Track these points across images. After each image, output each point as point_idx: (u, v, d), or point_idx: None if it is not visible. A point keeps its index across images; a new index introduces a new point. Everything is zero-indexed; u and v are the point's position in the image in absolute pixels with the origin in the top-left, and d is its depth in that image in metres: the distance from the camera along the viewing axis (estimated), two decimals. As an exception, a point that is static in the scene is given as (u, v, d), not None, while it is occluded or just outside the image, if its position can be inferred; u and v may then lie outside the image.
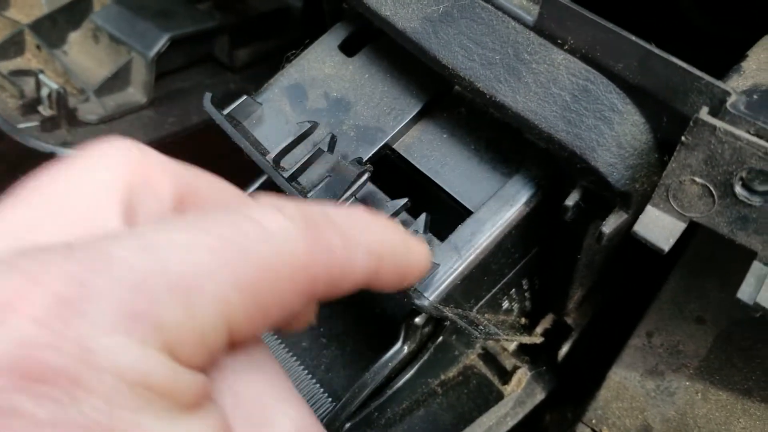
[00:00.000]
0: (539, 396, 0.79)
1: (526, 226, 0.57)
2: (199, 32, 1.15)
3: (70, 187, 0.32)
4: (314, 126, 0.62)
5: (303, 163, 0.58)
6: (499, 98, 0.53)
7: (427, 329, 0.65)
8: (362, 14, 0.62)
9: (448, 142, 0.61)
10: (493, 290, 0.64)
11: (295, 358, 0.70)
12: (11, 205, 0.32)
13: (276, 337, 0.71)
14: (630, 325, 0.71)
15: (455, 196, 0.59)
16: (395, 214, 0.56)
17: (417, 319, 0.62)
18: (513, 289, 0.68)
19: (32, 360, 0.24)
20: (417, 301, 0.52)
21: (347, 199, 0.56)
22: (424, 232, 0.55)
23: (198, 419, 0.29)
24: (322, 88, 0.66)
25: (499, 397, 0.77)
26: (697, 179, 0.45)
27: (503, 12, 0.55)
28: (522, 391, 0.78)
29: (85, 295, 0.26)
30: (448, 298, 0.55)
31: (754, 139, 0.42)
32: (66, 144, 1.04)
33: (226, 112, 0.63)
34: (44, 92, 1.06)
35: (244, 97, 0.65)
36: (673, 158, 0.46)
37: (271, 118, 0.65)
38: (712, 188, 0.45)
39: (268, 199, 0.34)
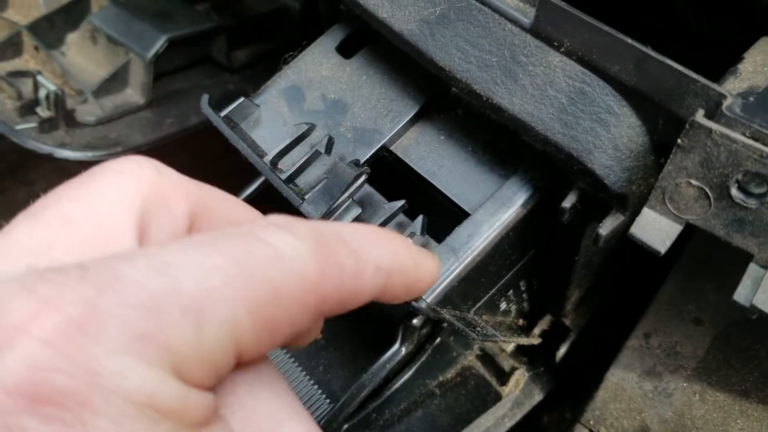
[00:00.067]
0: (537, 397, 0.79)
1: (523, 228, 0.58)
2: (197, 33, 1.15)
3: (86, 205, 0.33)
4: (311, 128, 0.62)
5: (300, 165, 0.58)
6: (495, 100, 0.53)
7: (424, 331, 0.65)
8: (359, 16, 0.63)
9: (446, 144, 0.61)
10: (491, 292, 0.64)
11: (293, 359, 0.70)
12: (28, 223, 0.32)
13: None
14: (627, 326, 0.71)
15: (452, 198, 0.59)
16: (392, 216, 0.56)
17: (415, 321, 0.62)
18: (510, 291, 0.68)
19: (41, 382, 0.25)
20: (414, 303, 0.52)
21: (344, 201, 0.56)
22: (422, 234, 0.55)
23: None
24: (319, 90, 0.66)
25: (497, 398, 0.77)
26: (693, 182, 0.45)
27: (500, 14, 0.55)
28: (520, 392, 0.78)
29: (95, 318, 0.26)
30: (445, 299, 0.55)
31: (750, 141, 0.42)
32: (64, 145, 1.04)
33: (223, 113, 0.63)
34: (42, 93, 1.06)
35: (242, 98, 0.65)
36: (669, 161, 0.46)
37: (268, 120, 0.65)
38: (708, 191, 0.45)
39: (279, 219, 0.34)
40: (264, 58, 1.24)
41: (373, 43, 0.66)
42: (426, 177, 0.60)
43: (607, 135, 0.50)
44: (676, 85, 0.47)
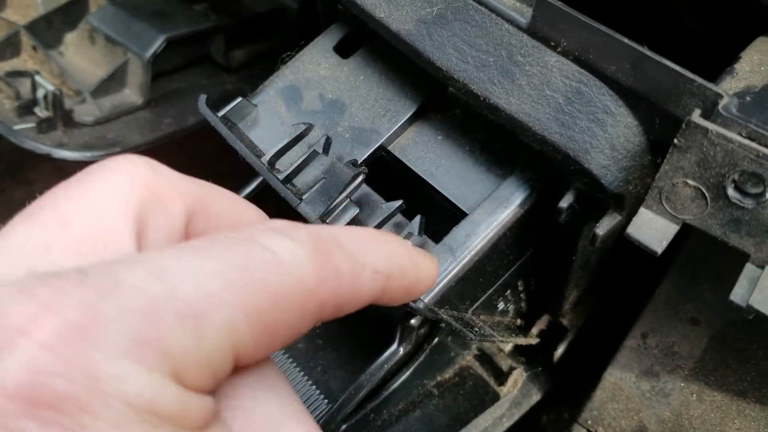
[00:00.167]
0: (535, 397, 0.79)
1: (520, 227, 0.58)
2: (195, 33, 1.14)
3: (83, 205, 0.33)
4: (309, 128, 0.62)
5: (298, 165, 0.58)
6: (492, 100, 0.53)
7: (422, 331, 0.65)
8: (357, 16, 0.63)
9: (443, 144, 0.61)
10: (489, 292, 0.64)
11: (291, 359, 0.70)
12: (25, 224, 0.32)
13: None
14: (625, 326, 0.71)
15: (450, 198, 0.59)
16: (390, 216, 0.56)
17: (412, 321, 0.62)
18: (508, 291, 0.68)
19: (40, 386, 0.25)
20: (412, 304, 0.52)
21: (342, 201, 0.56)
22: (419, 234, 0.55)
23: None
24: (317, 90, 0.66)
25: (495, 398, 0.77)
26: (690, 182, 0.45)
27: (496, 14, 0.55)
28: (518, 392, 0.78)
29: (94, 322, 0.26)
30: (443, 300, 0.55)
31: (746, 141, 0.42)
32: (62, 145, 1.04)
33: (221, 113, 0.63)
34: (40, 93, 1.06)
35: (239, 98, 0.65)
36: (665, 160, 0.46)
37: (266, 120, 0.65)
38: (704, 190, 0.45)
39: (278, 224, 0.34)
40: (262, 58, 1.24)
41: (370, 43, 0.66)
42: (423, 177, 0.60)
43: (603, 135, 0.50)
44: (673, 84, 0.47)
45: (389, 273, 0.37)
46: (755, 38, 0.55)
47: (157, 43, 1.07)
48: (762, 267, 0.45)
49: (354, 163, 0.59)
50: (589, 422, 0.70)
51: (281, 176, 0.58)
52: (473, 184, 0.59)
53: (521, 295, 0.71)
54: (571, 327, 0.78)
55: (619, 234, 0.51)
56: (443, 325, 0.65)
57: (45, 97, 1.05)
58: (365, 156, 0.61)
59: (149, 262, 0.29)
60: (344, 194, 0.56)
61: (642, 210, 0.48)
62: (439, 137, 0.62)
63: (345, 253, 0.34)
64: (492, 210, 0.56)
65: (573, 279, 0.66)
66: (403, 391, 0.69)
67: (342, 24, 0.69)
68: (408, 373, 0.69)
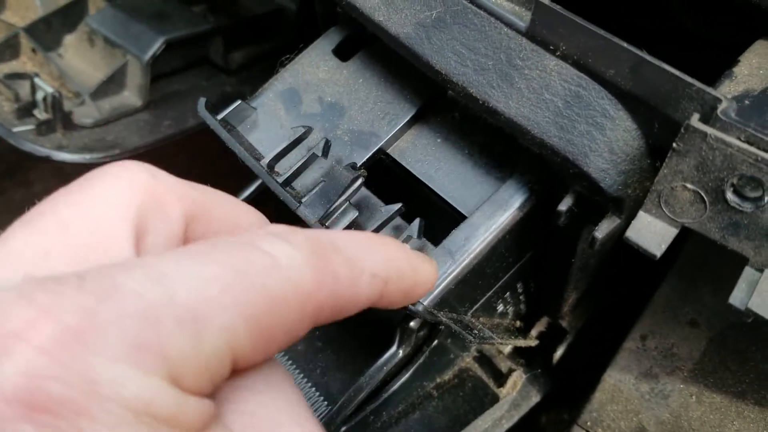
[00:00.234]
0: (534, 398, 0.79)
1: (519, 230, 0.58)
2: (194, 35, 1.14)
3: (82, 211, 0.33)
4: (308, 131, 0.62)
5: (297, 168, 0.59)
6: (491, 104, 0.53)
7: (422, 333, 0.65)
8: (356, 19, 0.63)
9: (442, 147, 0.61)
10: (488, 294, 0.64)
11: (290, 361, 0.70)
12: (24, 230, 0.32)
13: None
14: (624, 328, 0.72)
15: (449, 201, 0.59)
16: (389, 219, 0.56)
17: (412, 323, 0.62)
18: (508, 293, 0.68)
19: (38, 390, 0.25)
20: (411, 306, 0.52)
21: (341, 204, 0.56)
22: (418, 237, 0.55)
23: None
24: (316, 93, 0.66)
25: (495, 399, 0.77)
26: (689, 185, 0.45)
27: (496, 18, 0.55)
28: (517, 394, 0.78)
29: (92, 326, 0.26)
30: (442, 302, 0.55)
31: (745, 145, 0.42)
32: (61, 147, 1.04)
33: (220, 116, 0.63)
34: (39, 96, 1.06)
35: (239, 101, 0.65)
36: (664, 164, 0.46)
37: (265, 123, 0.65)
38: (703, 194, 0.45)
39: (277, 229, 0.34)
40: (261, 60, 1.24)
41: (369, 46, 0.66)
42: (423, 180, 0.60)
43: (602, 138, 0.50)
44: (672, 89, 0.47)
45: (387, 277, 0.37)
46: (754, 41, 0.55)
47: (156, 45, 1.08)
48: (761, 270, 0.45)
49: (353, 166, 0.59)
50: (589, 424, 0.70)
51: (280, 179, 0.58)
52: (472, 187, 0.59)
53: (520, 297, 0.71)
54: (571, 329, 0.78)
55: (618, 237, 0.51)
56: (442, 327, 0.65)
57: (44, 99, 1.05)
58: (364, 159, 0.61)
59: (148, 267, 0.29)
60: (343, 197, 0.56)
61: (641, 213, 0.49)
62: (438, 140, 0.62)
63: (343, 257, 0.35)
64: (491, 213, 0.56)
65: (572, 281, 0.66)
66: (403, 392, 0.69)
67: (341, 27, 0.69)
68: (407, 375, 0.69)
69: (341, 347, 0.71)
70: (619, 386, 0.69)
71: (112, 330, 0.26)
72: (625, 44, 0.49)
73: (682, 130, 0.44)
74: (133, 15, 1.11)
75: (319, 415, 0.66)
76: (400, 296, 0.39)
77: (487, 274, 0.60)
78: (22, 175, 1.48)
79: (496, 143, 0.59)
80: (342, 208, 0.56)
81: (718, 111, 0.44)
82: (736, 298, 0.45)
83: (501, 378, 0.77)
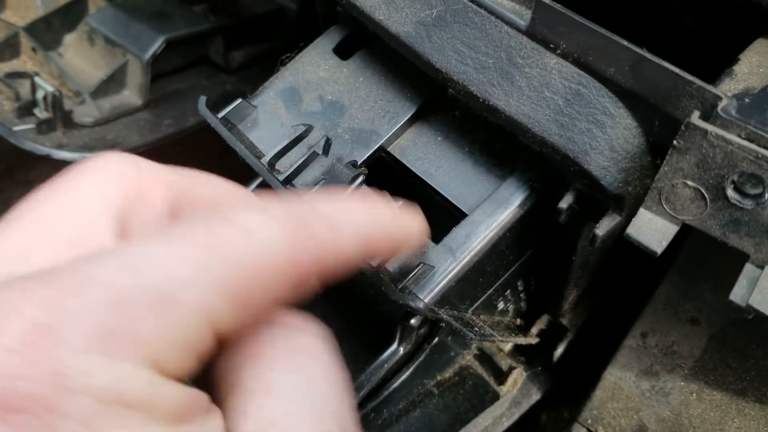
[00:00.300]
0: (535, 396, 0.79)
1: (520, 228, 0.58)
2: (194, 34, 1.15)
3: (63, 207, 0.33)
4: (309, 129, 0.62)
5: (298, 166, 0.59)
6: (492, 102, 0.53)
7: (422, 330, 0.66)
8: (356, 18, 0.63)
9: (443, 145, 0.62)
10: (488, 292, 0.64)
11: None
12: (7, 229, 0.32)
13: None
14: (625, 325, 0.72)
15: (450, 199, 0.59)
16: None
17: (413, 321, 0.62)
18: (508, 291, 0.68)
19: (9, 390, 0.25)
20: (412, 304, 0.52)
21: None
22: (419, 234, 0.55)
23: (188, 430, 0.29)
24: (316, 91, 0.66)
25: (495, 397, 0.77)
26: (689, 183, 0.46)
27: (496, 16, 0.55)
28: (518, 392, 0.78)
29: (59, 320, 0.26)
30: (443, 300, 0.55)
31: (745, 143, 0.42)
32: (61, 146, 1.04)
33: (220, 115, 0.63)
34: (40, 95, 1.06)
35: (239, 100, 0.65)
36: (665, 162, 0.46)
37: (266, 121, 0.65)
38: (704, 191, 0.45)
39: (254, 200, 0.34)
40: (261, 59, 1.24)
41: (370, 44, 0.67)
42: (423, 178, 0.61)
43: (603, 136, 0.50)
44: (672, 86, 0.47)
45: (372, 234, 0.37)
46: (754, 39, 0.55)
47: (157, 44, 1.08)
48: (761, 267, 0.45)
49: (354, 164, 0.60)
50: (589, 421, 0.70)
51: (281, 177, 0.58)
52: (473, 184, 0.59)
53: (521, 294, 0.71)
54: (571, 327, 0.79)
55: (619, 234, 0.51)
56: (443, 324, 0.65)
57: (44, 98, 1.05)
58: (365, 157, 0.62)
59: (118, 254, 0.29)
60: (344, 195, 0.56)
61: (641, 211, 0.49)
62: (439, 138, 0.62)
63: (322, 218, 0.34)
64: (492, 211, 0.56)
65: (573, 279, 0.66)
66: (404, 390, 0.70)
67: (341, 26, 0.69)
68: (408, 373, 0.69)
69: (341, 345, 0.71)
70: (620, 384, 0.69)
71: (80, 320, 0.26)
72: (625, 42, 0.49)
73: (683, 128, 0.44)
74: (134, 14, 1.12)
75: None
76: (388, 251, 0.39)
77: (488, 272, 0.61)
78: (22, 174, 1.48)
79: (497, 141, 0.60)
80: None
81: (719, 108, 0.45)
82: (737, 294, 0.45)
83: (501, 376, 0.77)
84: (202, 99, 0.63)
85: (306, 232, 0.33)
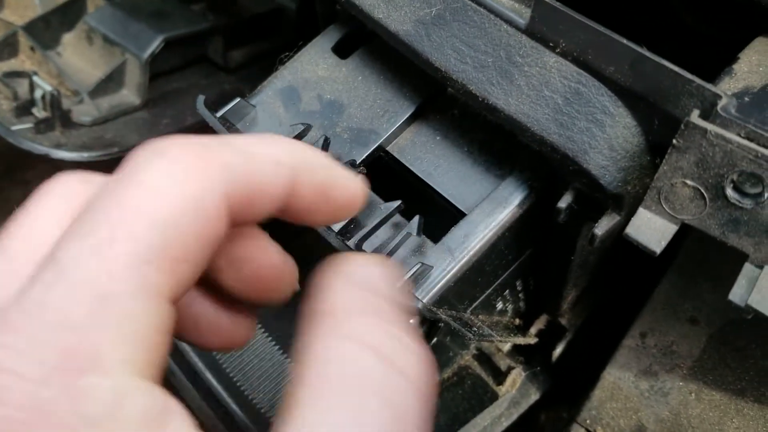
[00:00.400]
0: (534, 396, 0.79)
1: (519, 227, 0.58)
2: (193, 33, 1.14)
3: (23, 232, 0.33)
4: (308, 128, 0.62)
5: (296, 166, 0.58)
6: (491, 101, 0.53)
7: (421, 330, 0.65)
8: (355, 16, 0.63)
9: (442, 144, 0.61)
10: (487, 291, 0.64)
11: (289, 360, 0.70)
12: None
13: (267, 335, 0.72)
14: (624, 325, 0.72)
15: (448, 198, 0.59)
16: (389, 217, 0.56)
17: (411, 321, 0.62)
18: (507, 290, 0.68)
19: None
20: (410, 303, 0.52)
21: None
22: (418, 234, 0.55)
23: None
24: (315, 90, 0.66)
25: (494, 397, 0.77)
26: (689, 182, 0.45)
27: (495, 15, 0.55)
28: (516, 392, 0.78)
29: (12, 358, 0.26)
30: (441, 299, 0.55)
31: (745, 142, 0.42)
32: (60, 146, 1.04)
33: (219, 114, 0.63)
34: (38, 94, 1.06)
35: (238, 99, 0.65)
36: (664, 161, 0.46)
37: (264, 121, 0.65)
38: (703, 191, 0.45)
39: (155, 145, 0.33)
40: (260, 59, 1.24)
41: (369, 43, 0.66)
42: (422, 177, 0.60)
43: (602, 135, 0.50)
44: (672, 85, 0.47)
45: (294, 165, 0.35)
46: (754, 37, 0.55)
47: (155, 44, 1.08)
48: (761, 267, 0.45)
49: (353, 164, 0.59)
50: (588, 421, 0.70)
51: (280, 177, 0.58)
52: (472, 184, 0.59)
53: (520, 294, 0.71)
54: (570, 326, 0.78)
55: (618, 234, 0.51)
56: (442, 324, 0.65)
57: (43, 97, 1.05)
58: (364, 156, 0.61)
59: (47, 270, 0.29)
60: (343, 195, 0.56)
61: (641, 210, 0.49)
62: (438, 137, 0.62)
63: (235, 147, 0.33)
64: (490, 210, 0.56)
65: (572, 279, 0.66)
66: (402, 391, 0.69)
67: (340, 24, 0.69)
68: (407, 373, 0.68)
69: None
70: (619, 384, 0.69)
71: (32, 354, 0.27)
72: (624, 41, 0.49)
73: (682, 127, 0.44)
74: (132, 13, 1.11)
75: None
76: (317, 195, 0.37)
77: (487, 272, 0.60)
78: (20, 174, 1.48)
79: (496, 140, 0.59)
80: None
81: (718, 107, 0.44)
82: (736, 294, 0.45)
83: (500, 376, 0.77)
84: (201, 98, 0.63)
85: (217, 159, 0.32)
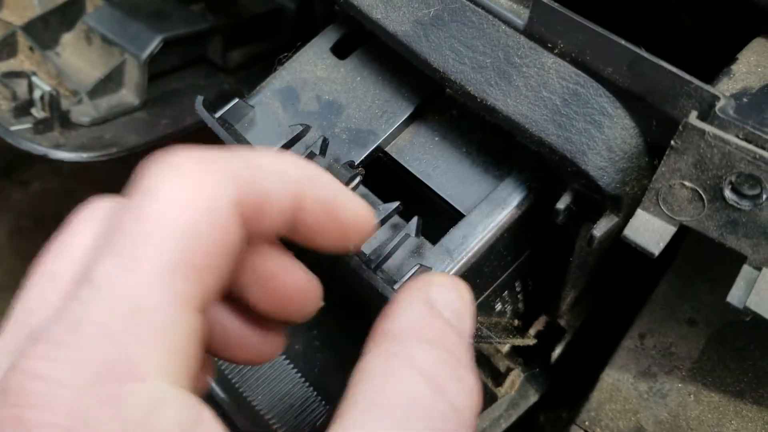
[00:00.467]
0: (533, 397, 0.79)
1: (517, 229, 0.58)
2: (192, 33, 1.14)
3: (59, 255, 0.35)
4: (306, 129, 0.62)
5: (295, 167, 0.58)
6: (489, 102, 0.53)
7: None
8: (354, 17, 0.62)
9: (440, 145, 0.61)
10: (486, 293, 0.64)
11: (288, 361, 0.70)
12: (24, 289, 0.34)
13: None
14: (622, 326, 0.71)
15: (447, 199, 0.59)
16: (387, 218, 0.56)
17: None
18: (506, 292, 0.68)
19: None
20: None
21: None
22: (416, 235, 0.55)
23: None
24: (314, 91, 0.65)
25: (493, 399, 0.77)
26: (687, 183, 0.45)
27: (493, 15, 0.55)
28: (515, 393, 0.78)
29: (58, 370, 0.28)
30: (440, 301, 0.55)
31: (743, 143, 0.42)
32: (59, 146, 1.04)
33: (218, 115, 0.63)
34: (37, 94, 1.05)
35: (236, 100, 0.64)
36: (662, 162, 0.46)
37: (263, 121, 0.65)
38: (701, 192, 0.45)
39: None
40: (259, 59, 1.24)
41: (367, 44, 0.66)
42: (420, 178, 0.60)
43: (600, 136, 0.50)
44: (670, 86, 0.47)
45: (299, 179, 0.36)
46: (752, 38, 0.55)
47: (154, 44, 1.07)
48: (759, 269, 0.45)
49: (351, 165, 0.59)
50: (587, 423, 0.70)
51: (278, 178, 0.58)
52: (470, 185, 0.59)
53: (519, 296, 0.71)
54: (569, 328, 0.78)
55: (616, 235, 0.51)
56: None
57: (42, 97, 1.05)
58: (362, 157, 0.61)
59: (86, 288, 0.30)
60: (341, 196, 0.56)
61: (639, 211, 0.48)
62: (436, 138, 0.62)
63: (241, 158, 0.35)
64: (489, 211, 0.56)
65: (570, 280, 0.66)
66: (401, 392, 0.69)
67: (339, 25, 0.69)
68: (406, 375, 0.68)
69: (339, 347, 0.71)
70: (618, 385, 0.69)
71: (75, 368, 0.28)
72: (623, 42, 0.48)
73: (680, 128, 0.44)
74: (131, 13, 1.11)
75: (316, 415, 0.65)
76: (323, 212, 0.38)
77: (485, 273, 0.60)
78: (19, 174, 1.48)
79: (494, 141, 0.59)
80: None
81: (716, 108, 0.44)
82: (734, 296, 0.45)
83: (499, 377, 0.77)
84: (199, 99, 0.63)
85: (228, 169, 0.33)
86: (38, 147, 1.03)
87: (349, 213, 0.39)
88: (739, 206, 0.44)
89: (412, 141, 0.62)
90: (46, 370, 0.27)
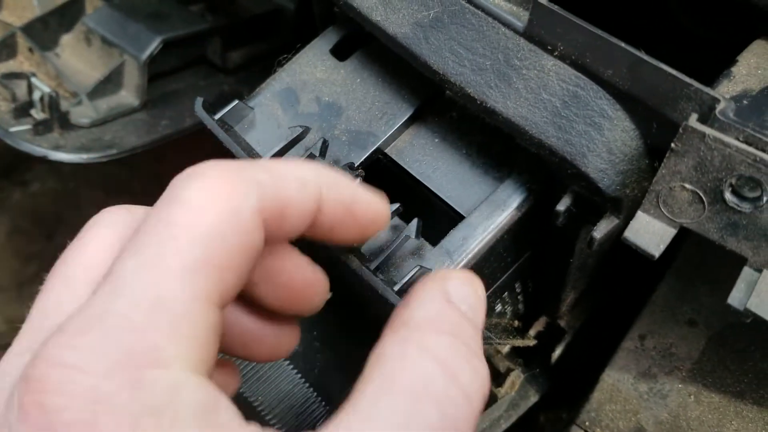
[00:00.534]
0: (533, 398, 0.79)
1: (518, 230, 0.58)
2: (191, 34, 1.14)
3: (77, 262, 0.37)
4: (306, 131, 0.62)
5: (295, 169, 0.58)
6: (489, 104, 0.53)
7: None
8: (353, 19, 0.62)
9: (440, 147, 0.61)
10: (486, 294, 0.64)
11: (288, 361, 0.70)
12: (43, 291, 0.36)
13: None
14: (623, 327, 0.71)
15: (447, 201, 0.59)
16: (387, 219, 0.56)
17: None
18: (506, 293, 0.68)
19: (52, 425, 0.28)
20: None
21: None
22: (416, 237, 0.55)
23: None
24: (313, 93, 0.65)
25: (493, 399, 0.77)
26: (687, 185, 0.45)
27: (493, 18, 0.55)
28: (516, 394, 0.78)
29: (82, 356, 0.29)
30: (440, 303, 0.55)
31: (743, 146, 0.42)
32: (58, 147, 1.03)
33: (217, 116, 0.63)
34: (36, 95, 1.05)
35: (236, 101, 0.64)
36: (663, 164, 0.46)
37: (262, 123, 0.65)
38: (702, 194, 0.45)
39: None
40: (259, 60, 1.23)
41: (367, 45, 0.66)
42: (420, 180, 0.60)
43: (600, 138, 0.50)
44: (670, 89, 0.47)
45: (320, 184, 0.38)
46: (752, 40, 0.55)
47: (154, 45, 1.07)
48: (759, 270, 0.45)
49: (351, 166, 0.59)
50: (587, 423, 0.70)
51: (278, 180, 0.58)
52: (470, 187, 0.59)
53: (519, 297, 0.71)
54: (569, 329, 0.78)
55: (617, 237, 0.51)
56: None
57: (41, 99, 1.05)
58: (362, 159, 0.61)
59: (108, 283, 0.32)
60: (341, 198, 0.56)
61: (639, 214, 0.48)
62: (436, 140, 0.62)
63: (264, 168, 0.36)
64: (489, 213, 0.56)
65: (570, 281, 0.66)
66: (401, 393, 0.69)
67: (338, 26, 0.69)
68: (406, 376, 0.68)
69: (339, 347, 0.71)
70: (618, 386, 0.69)
71: (99, 353, 0.29)
72: (623, 44, 0.48)
73: (681, 131, 0.44)
74: (130, 14, 1.11)
75: (316, 416, 0.65)
76: (343, 211, 0.40)
77: (485, 274, 0.60)
78: (19, 175, 1.48)
79: (494, 143, 0.59)
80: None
81: (717, 111, 0.44)
82: (735, 298, 0.45)
83: (499, 378, 0.77)
84: (199, 100, 0.63)
85: (247, 176, 0.35)
86: (38, 148, 1.03)
87: (369, 211, 0.42)
88: (739, 208, 0.44)
89: (412, 143, 0.62)
90: (68, 358, 0.28)
